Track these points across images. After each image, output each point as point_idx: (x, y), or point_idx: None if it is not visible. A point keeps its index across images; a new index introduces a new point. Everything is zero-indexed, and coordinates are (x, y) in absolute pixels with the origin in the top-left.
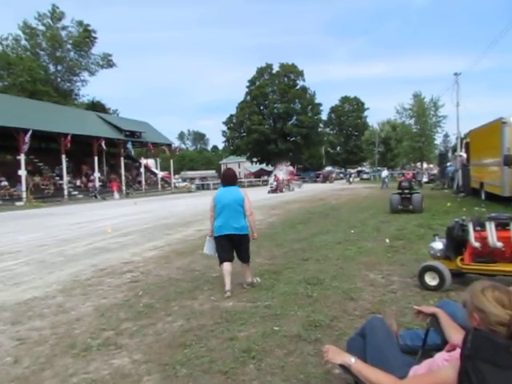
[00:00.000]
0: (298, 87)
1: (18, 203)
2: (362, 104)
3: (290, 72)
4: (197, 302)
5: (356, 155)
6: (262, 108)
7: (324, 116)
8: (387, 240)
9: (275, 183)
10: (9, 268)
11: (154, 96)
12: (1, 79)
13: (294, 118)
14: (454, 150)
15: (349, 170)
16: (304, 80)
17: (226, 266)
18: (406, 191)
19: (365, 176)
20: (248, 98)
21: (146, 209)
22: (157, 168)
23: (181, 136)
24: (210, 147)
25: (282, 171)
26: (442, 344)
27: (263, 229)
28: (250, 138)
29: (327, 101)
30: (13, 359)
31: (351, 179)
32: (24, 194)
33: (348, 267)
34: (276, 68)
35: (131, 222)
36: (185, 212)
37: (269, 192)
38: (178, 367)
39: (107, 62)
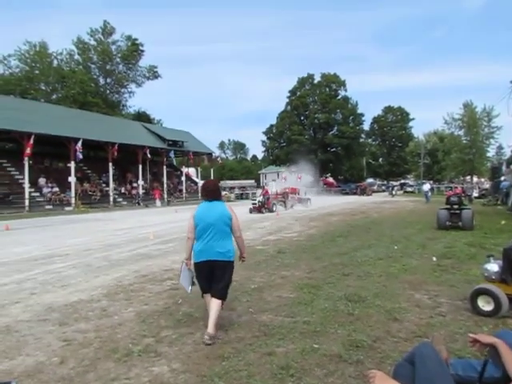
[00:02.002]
0: (339, 97)
1: (67, 208)
2: (407, 114)
3: (332, 82)
4: (235, 314)
5: (399, 167)
6: (302, 118)
7: (366, 126)
8: (434, 258)
9: (261, 198)
10: (57, 270)
11: (196, 106)
12: (55, 91)
13: (335, 128)
14: (510, 163)
15: (391, 182)
16: (346, 90)
17: (207, 297)
18: (455, 206)
19: (408, 189)
20: (288, 108)
21: (187, 217)
22: (197, 177)
23: (221, 145)
24: (249, 157)
25: (275, 182)
26: (502, 378)
27: (302, 241)
28: (290, 148)
29: (370, 111)
30: (59, 360)
31: (394, 192)
32: (73, 200)
33: (391, 285)
34: (317, 78)
35: (172, 229)
36: None
37: (250, 211)
38: (216, 380)
39: (153, 74)
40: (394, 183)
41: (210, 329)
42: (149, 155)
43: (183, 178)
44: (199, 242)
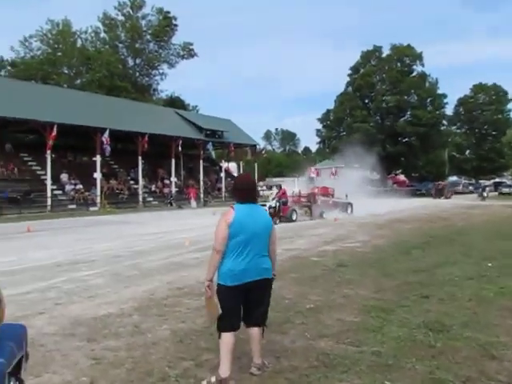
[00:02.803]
0: (414, 74)
1: (92, 208)
2: (505, 94)
3: (405, 55)
4: (287, 338)
5: (492, 162)
6: (366, 101)
7: (449, 111)
8: None
9: (275, 203)
10: (83, 279)
11: (238, 89)
12: (79, 75)
13: (408, 113)
14: None
15: (481, 181)
16: (423, 65)
17: (230, 338)
18: None
19: (505, 190)
20: (349, 89)
21: None
22: (239, 172)
23: (267, 136)
24: (300, 149)
25: (297, 181)
26: None
27: (367, 253)
28: (351, 138)
29: (454, 91)
30: (89, 380)
31: (485, 194)
32: (98, 199)
33: (485, 313)
34: (386, 51)
35: (210, 235)
36: None
37: None
38: None
39: (188, 52)
40: (486, 182)
41: (257, 359)
42: (180, 148)
43: (222, 175)
44: (237, 258)
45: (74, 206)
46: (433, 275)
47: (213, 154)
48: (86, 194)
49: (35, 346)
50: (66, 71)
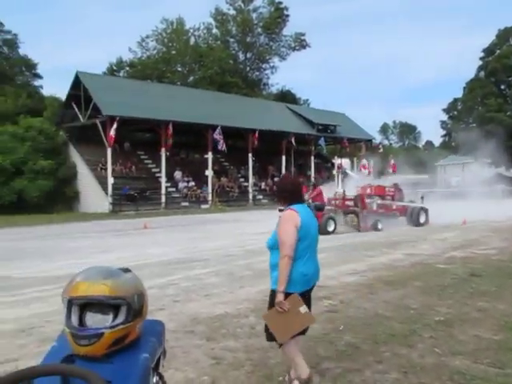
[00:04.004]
0: None
1: (203, 206)
2: None
3: None
4: (415, 352)
5: None
6: (502, 88)
7: None
8: None
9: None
10: (199, 277)
11: (352, 80)
12: (192, 73)
13: None
14: None
15: None
16: None
17: (297, 342)
18: None
19: None
20: (481, 74)
21: None
22: (352, 169)
23: (384, 129)
24: (421, 143)
25: (342, 178)
26: None
27: (505, 261)
28: (483, 130)
29: None
30: (210, 379)
31: None
32: (209, 197)
33: None
34: None
35: (322, 236)
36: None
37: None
38: None
39: (299, 43)
40: None
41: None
42: (294, 143)
43: (335, 172)
44: (307, 261)
45: (186, 204)
46: None
47: (325, 149)
48: (198, 191)
49: None
50: (180, 69)
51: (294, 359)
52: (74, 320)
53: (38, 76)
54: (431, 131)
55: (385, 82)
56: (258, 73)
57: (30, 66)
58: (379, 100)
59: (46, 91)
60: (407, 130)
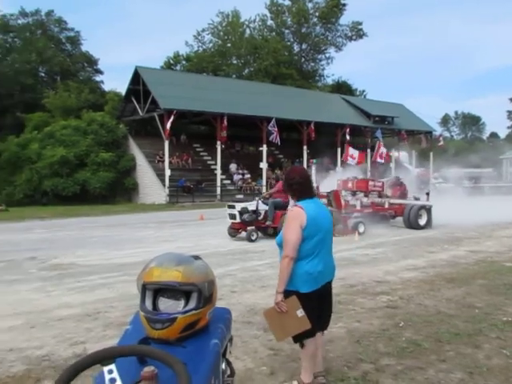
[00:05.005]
0: None
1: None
2: None
3: None
4: (481, 353)
5: None
6: None
7: None
8: None
9: (255, 205)
10: (255, 268)
11: (411, 70)
12: (247, 65)
13: None
14: None
15: None
16: None
17: (313, 345)
18: None
19: None
20: None
21: None
22: (411, 163)
23: (445, 120)
24: (485, 135)
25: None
26: None
27: None
28: None
29: None
30: (269, 370)
31: None
32: (264, 189)
33: None
34: None
35: (378, 229)
36: (450, 220)
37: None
38: None
39: (356, 33)
40: None
41: (321, 366)
42: (348, 136)
43: (392, 165)
44: (314, 259)
45: (241, 196)
46: None
47: (382, 142)
48: (253, 184)
49: None
50: (235, 62)
51: (303, 362)
52: (149, 304)
53: (99, 72)
54: (497, 122)
55: (446, 70)
56: (313, 64)
57: (91, 62)
58: (440, 90)
59: (107, 86)
60: (470, 121)
